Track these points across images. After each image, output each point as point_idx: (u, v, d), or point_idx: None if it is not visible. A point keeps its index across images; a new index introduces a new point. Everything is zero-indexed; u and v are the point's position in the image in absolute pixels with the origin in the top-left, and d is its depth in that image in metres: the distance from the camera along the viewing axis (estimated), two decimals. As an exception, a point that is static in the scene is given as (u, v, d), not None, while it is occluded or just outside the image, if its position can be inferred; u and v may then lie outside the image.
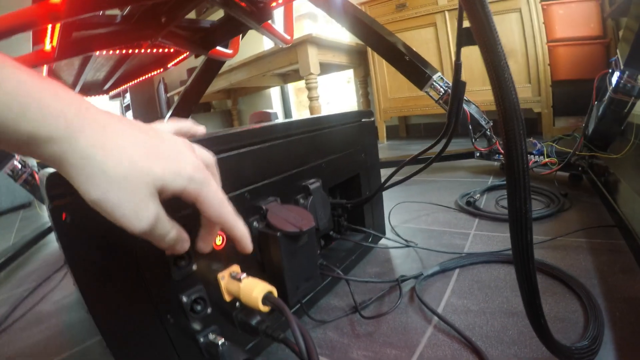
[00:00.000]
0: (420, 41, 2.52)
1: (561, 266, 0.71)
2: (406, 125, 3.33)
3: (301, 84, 3.78)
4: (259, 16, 1.18)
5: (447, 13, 2.42)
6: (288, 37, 1.56)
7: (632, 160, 1.19)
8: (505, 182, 0.39)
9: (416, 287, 0.72)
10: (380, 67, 2.82)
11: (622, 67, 1.04)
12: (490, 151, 1.44)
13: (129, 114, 5.17)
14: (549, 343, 0.43)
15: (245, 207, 0.55)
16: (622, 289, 0.62)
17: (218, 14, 3.68)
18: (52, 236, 1.54)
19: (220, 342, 0.46)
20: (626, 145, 1.15)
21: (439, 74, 1.32)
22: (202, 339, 0.48)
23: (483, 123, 1.39)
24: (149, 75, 1.94)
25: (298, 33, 2.25)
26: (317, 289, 0.72)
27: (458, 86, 0.65)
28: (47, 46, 1.12)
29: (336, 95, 4.21)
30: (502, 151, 1.38)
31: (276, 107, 4.40)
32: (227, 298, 0.50)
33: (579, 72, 2.09)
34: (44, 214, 2.28)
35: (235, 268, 0.51)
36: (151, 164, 0.31)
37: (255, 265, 0.56)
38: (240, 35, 1.58)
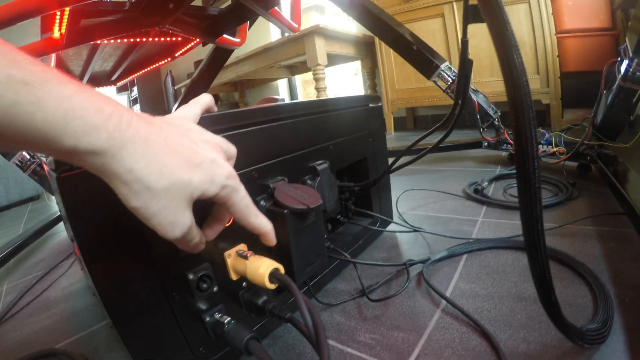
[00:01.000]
0: (428, 32, 2.50)
1: (569, 252, 0.70)
2: (414, 116, 3.31)
3: (308, 76, 3.76)
4: (266, 3, 1.18)
5: (454, 4, 2.39)
6: (295, 25, 1.55)
7: (641, 150, 1.18)
8: (513, 171, 0.38)
9: (424, 271, 0.71)
10: (387, 58, 2.81)
11: (631, 55, 1.03)
12: (498, 141, 1.43)
13: (137, 107, 5.19)
14: (558, 321, 0.42)
15: (253, 185, 0.55)
16: (631, 276, 0.62)
17: (226, 2, 3.67)
18: (60, 226, 1.55)
19: (226, 321, 0.46)
20: (635, 134, 1.13)
21: (447, 63, 1.31)
22: (207, 318, 0.48)
23: (491, 113, 1.38)
24: (157, 65, 1.94)
25: (305, 25, 2.24)
26: (324, 270, 0.72)
27: (465, 63, 0.64)
28: (56, 33, 1.12)
29: (343, 87, 4.20)
30: (510, 141, 1.37)
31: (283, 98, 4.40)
32: (234, 277, 0.50)
33: (588, 64, 2.07)
34: (52, 205, 2.30)
35: (242, 246, 0.51)
36: (190, 174, 0.32)
37: (262, 244, 0.56)
38: (248, 24, 1.58)
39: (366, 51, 3.09)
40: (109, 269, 0.40)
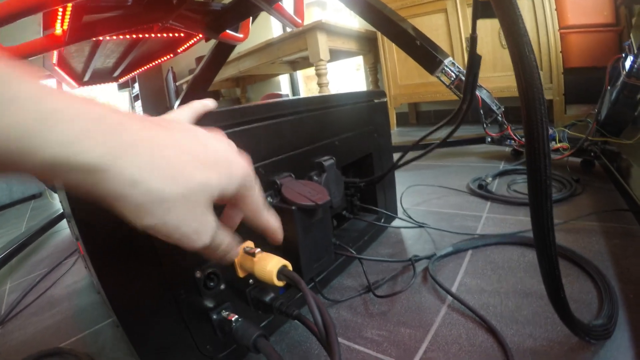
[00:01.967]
0: (431, 27, 2.49)
1: (574, 248, 0.70)
2: (416, 112, 3.31)
3: (310, 71, 3.75)
4: (270, -3, 1.17)
5: (457, -2, 2.39)
6: (299, 20, 1.55)
7: (645, 147, 1.18)
8: (517, 167, 0.38)
9: (429, 267, 0.71)
10: (390, 53, 2.80)
11: (635, 51, 1.02)
12: (501, 137, 1.43)
13: (138, 103, 5.18)
14: (566, 317, 0.42)
15: (260, 181, 0.54)
16: (636, 272, 0.62)
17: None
18: (63, 224, 1.55)
19: (233, 319, 0.46)
20: (639, 131, 1.13)
21: (450, 58, 1.31)
22: (215, 316, 0.48)
23: (495, 108, 1.38)
24: (159, 61, 1.94)
25: (307, 20, 2.23)
26: (331, 266, 0.72)
27: (473, 59, 0.64)
28: (58, 30, 1.11)
29: (346, 82, 4.19)
30: (514, 136, 1.37)
31: (286, 93, 4.39)
32: (241, 274, 0.50)
33: (591, 60, 2.06)
34: (55, 203, 2.29)
35: (249, 243, 0.51)
36: (207, 174, 0.29)
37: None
38: (251, 19, 1.57)
39: (368, 46, 3.08)
40: (116, 268, 0.40)
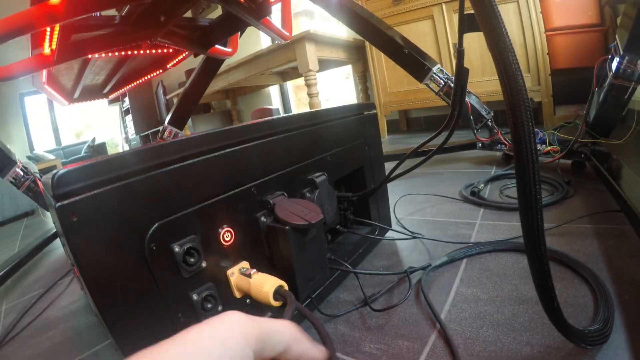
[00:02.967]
0: (418, 34, 2.51)
1: (568, 252, 0.71)
2: (407, 119, 3.32)
3: (300, 81, 3.77)
4: (257, 12, 1.17)
5: (444, 5, 2.40)
6: (287, 33, 1.56)
7: (634, 146, 1.19)
8: (508, 172, 0.39)
9: (422, 281, 0.71)
10: (379, 61, 2.81)
11: (621, 52, 1.04)
12: (492, 141, 1.44)
13: (129, 117, 5.17)
14: (562, 326, 0.43)
15: (253, 202, 0.55)
16: (630, 272, 0.62)
17: (215, 13, 3.68)
18: (57, 242, 1.54)
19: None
20: (628, 131, 1.14)
21: (439, 65, 1.32)
22: (213, 338, 0.48)
23: (484, 113, 1.39)
24: (148, 77, 1.94)
25: (295, 31, 2.24)
26: (326, 282, 0.72)
27: (461, 73, 0.64)
28: (47, 49, 1.11)
29: (336, 91, 4.21)
30: (504, 141, 1.38)
31: (276, 106, 4.39)
32: (238, 295, 0.50)
33: (578, 60, 2.08)
34: (48, 221, 2.28)
35: (245, 264, 0.51)
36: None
37: (264, 261, 0.56)
38: (239, 33, 1.58)
39: (357, 55, 3.09)
40: (113, 294, 0.40)
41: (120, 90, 2.11)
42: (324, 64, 2.91)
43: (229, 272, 0.49)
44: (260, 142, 0.58)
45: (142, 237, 0.42)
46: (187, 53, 1.70)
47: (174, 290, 0.45)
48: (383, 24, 1.32)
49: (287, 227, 0.51)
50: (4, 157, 1.47)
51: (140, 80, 1.98)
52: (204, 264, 0.47)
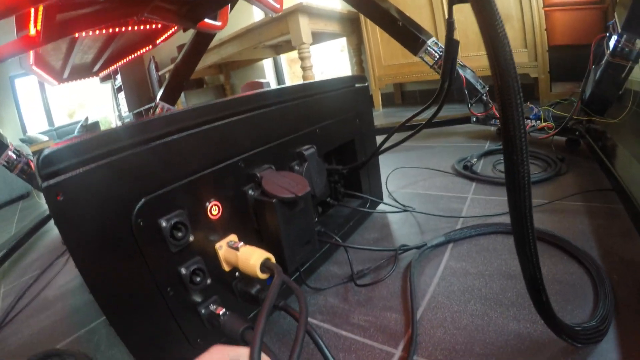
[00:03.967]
0: (414, 7, 2.46)
1: (558, 229, 0.71)
2: (402, 92, 3.29)
3: (294, 54, 3.71)
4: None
5: (440, -23, 2.36)
6: (277, 6, 1.52)
7: (630, 126, 1.18)
8: (501, 147, 0.37)
9: (413, 260, 0.70)
10: (373, 34, 2.77)
11: (619, 30, 1.02)
12: (486, 116, 1.43)
13: (121, 95, 5.11)
14: (551, 322, 0.42)
15: (240, 175, 0.54)
16: (620, 252, 0.63)
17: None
18: (52, 223, 1.54)
19: (221, 313, 0.46)
20: (623, 110, 1.14)
21: (433, 38, 1.30)
22: (203, 310, 0.48)
23: (479, 88, 1.38)
24: (138, 53, 1.91)
25: (288, 3, 2.20)
26: (315, 256, 0.73)
27: (451, 45, 0.64)
28: (32, 31, 1.09)
29: (330, 64, 4.16)
30: (498, 115, 1.37)
31: (270, 79, 4.34)
32: (226, 268, 0.50)
33: (576, 37, 2.06)
34: (42, 203, 2.27)
35: (233, 237, 0.51)
36: None
37: (252, 234, 0.56)
38: (229, 6, 1.55)
39: (351, 28, 3.05)
40: (102, 270, 0.40)
41: (111, 68, 2.08)
42: (317, 37, 2.87)
43: (217, 245, 0.49)
44: (248, 115, 0.57)
45: (129, 213, 0.41)
46: (176, 28, 1.67)
47: (163, 264, 0.45)
48: (377, -4, 1.30)
49: (274, 200, 0.51)
50: (-6, 141, 1.45)
51: (130, 57, 1.95)
52: (191, 238, 0.47)
